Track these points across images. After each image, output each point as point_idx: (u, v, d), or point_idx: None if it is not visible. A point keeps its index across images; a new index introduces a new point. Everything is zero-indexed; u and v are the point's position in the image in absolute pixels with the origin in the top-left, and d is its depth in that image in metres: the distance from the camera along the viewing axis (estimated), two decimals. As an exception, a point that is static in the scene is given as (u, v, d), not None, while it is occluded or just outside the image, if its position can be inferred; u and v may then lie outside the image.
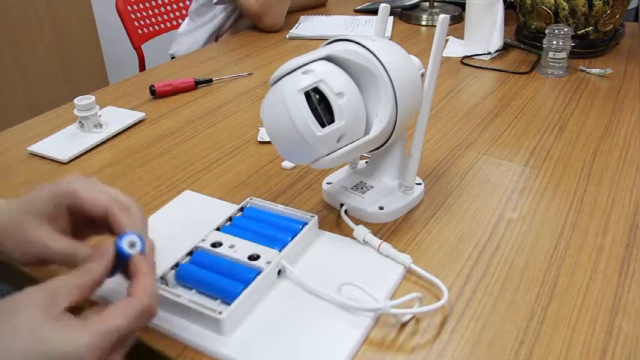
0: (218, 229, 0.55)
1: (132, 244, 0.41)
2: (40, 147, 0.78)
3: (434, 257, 0.55)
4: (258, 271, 0.49)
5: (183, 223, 0.60)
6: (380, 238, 0.56)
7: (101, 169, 0.72)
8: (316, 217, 0.56)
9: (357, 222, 0.60)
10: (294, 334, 0.46)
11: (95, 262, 0.40)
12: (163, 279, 0.49)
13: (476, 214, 0.61)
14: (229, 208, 0.59)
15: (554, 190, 0.65)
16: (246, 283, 0.48)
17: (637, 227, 0.59)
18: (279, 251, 0.51)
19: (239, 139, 0.79)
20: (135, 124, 0.85)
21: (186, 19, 1.52)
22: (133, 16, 1.74)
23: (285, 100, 0.50)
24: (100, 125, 0.82)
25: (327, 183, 0.65)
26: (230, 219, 0.57)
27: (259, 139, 0.79)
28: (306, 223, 0.55)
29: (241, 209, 0.59)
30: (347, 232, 0.57)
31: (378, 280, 0.51)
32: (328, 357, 0.43)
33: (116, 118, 0.85)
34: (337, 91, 0.50)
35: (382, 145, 0.58)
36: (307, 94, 0.50)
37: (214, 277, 0.49)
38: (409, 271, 0.53)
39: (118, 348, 0.37)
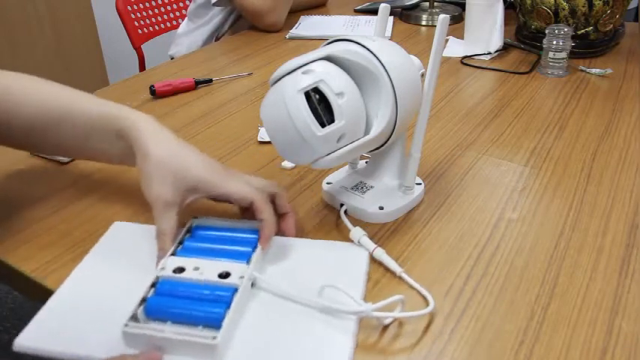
0: (173, 254, 0.52)
1: None
2: (40, 147, 0.77)
3: (434, 257, 0.55)
4: (235, 289, 0.47)
5: (128, 257, 0.55)
6: (376, 243, 0.56)
7: (101, 169, 0.71)
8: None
9: (357, 222, 0.60)
10: (287, 348, 0.44)
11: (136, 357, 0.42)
12: (135, 318, 0.45)
13: (476, 214, 0.61)
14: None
15: (554, 190, 0.65)
16: (226, 303, 0.45)
17: (637, 227, 0.59)
18: (247, 263, 0.50)
19: (239, 139, 0.79)
20: (135, 124, 0.85)
21: (185, 19, 1.52)
22: (133, 16, 1.73)
23: (285, 100, 0.50)
24: (99, 125, 0.82)
25: (327, 183, 0.65)
26: (181, 242, 0.54)
27: (259, 139, 0.78)
28: (259, 230, 0.53)
29: (189, 230, 0.56)
30: (347, 232, 0.57)
31: (349, 276, 0.51)
32: None
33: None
34: (337, 91, 0.50)
35: (382, 145, 0.58)
36: (307, 94, 0.50)
37: (190, 304, 0.46)
38: (400, 278, 0.52)
39: None
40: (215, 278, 0.48)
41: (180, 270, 0.49)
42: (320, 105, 0.50)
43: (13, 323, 0.54)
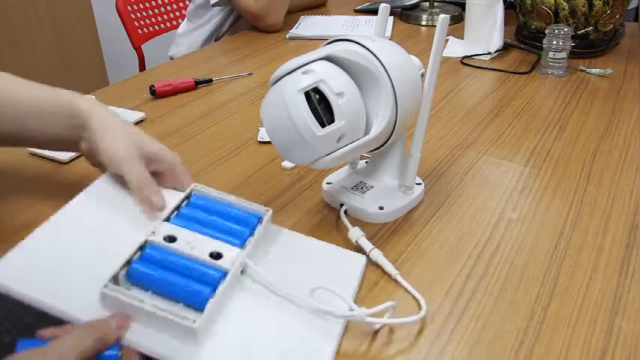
0: (167, 219, 0.50)
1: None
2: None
3: (434, 257, 0.55)
4: (224, 272, 0.45)
5: (116, 208, 0.51)
6: (375, 243, 0.56)
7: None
8: (271, 211, 0.52)
9: (357, 222, 0.60)
10: (267, 344, 0.43)
11: (108, 321, 0.41)
12: (115, 280, 0.43)
13: (476, 214, 0.61)
14: (171, 196, 0.52)
15: (554, 190, 0.65)
16: (212, 286, 0.43)
17: (637, 227, 0.59)
18: (242, 248, 0.48)
19: (239, 139, 0.79)
20: (135, 124, 0.85)
21: (185, 20, 1.52)
22: (133, 16, 1.73)
23: (285, 100, 0.50)
24: (99, 125, 0.82)
25: (327, 183, 0.65)
26: (177, 208, 0.51)
27: (259, 139, 0.79)
28: (261, 217, 0.52)
29: (187, 197, 0.53)
30: (346, 232, 0.57)
31: (343, 279, 0.50)
32: None
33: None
34: (337, 91, 0.50)
35: (382, 145, 0.58)
36: (307, 94, 0.50)
37: (175, 279, 0.44)
38: (395, 281, 0.52)
39: None
40: (206, 257, 0.46)
41: (172, 239, 0.47)
42: (320, 105, 0.50)
43: (14, 323, 0.53)
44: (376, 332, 0.46)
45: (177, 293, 0.43)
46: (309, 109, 0.50)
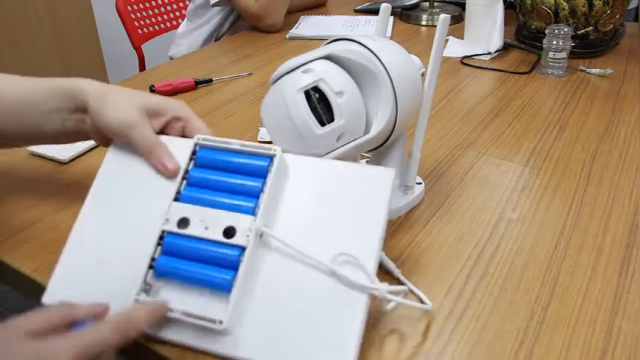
0: (177, 197, 0.49)
1: None
2: (41, 147, 0.77)
3: (434, 257, 0.55)
4: (241, 249, 0.45)
5: (133, 186, 0.52)
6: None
7: (101, 169, 0.71)
8: (279, 149, 0.49)
9: (357, 222, 0.59)
10: (294, 321, 0.43)
11: (142, 309, 0.43)
12: (145, 285, 0.46)
13: (476, 214, 0.61)
14: (178, 153, 0.52)
15: (554, 190, 0.65)
16: (233, 268, 0.44)
17: (637, 227, 0.59)
18: (254, 214, 0.46)
19: (239, 139, 0.79)
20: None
21: (185, 20, 1.52)
22: (133, 16, 1.73)
23: (285, 99, 0.50)
24: (99, 125, 0.82)
25: (327, 183, 0.64)
26: (186, 174, 0.50)
27: (259, 139, 0.78)
28: (271, 159, 0.48)
29: (193, 155, 0.51)
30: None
31: (370, 202, 0.47)
32: (336, 348, 0.42)
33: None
34: (337, 90, 0.50)
35: (382, 145, 0.58)
36: (307, 93, 0.50)
37: (197, 268, 0.45)
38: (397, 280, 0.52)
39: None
40: (220, 236, 0.46)
41: (185, 222, 0.47)
42: (320, 104, 0.50)
43: (13, 323, 0.54)
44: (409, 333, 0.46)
45: (202, 283, 0.45)
46: (308, 108, 0.50)
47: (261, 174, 0.48)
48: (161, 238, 0.47)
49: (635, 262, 0.54)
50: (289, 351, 0.42)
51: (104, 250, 0.49)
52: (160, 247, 0.47)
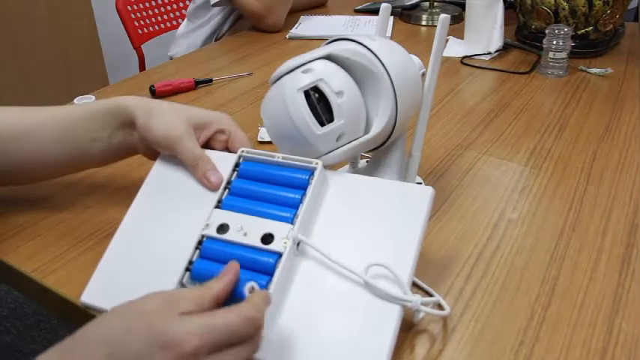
0: (218, 205, 0.50)
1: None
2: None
3: (434, 257, 0.55)
4: (278, 255, 0.45)
5: (176, 195, 0.54)
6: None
7: (102, 169, 0.71)
8: (320, 163, 0.50)
9: (357, 222, 0.60)
10: (326, 330, 0.43)
11: (218, 280, 0.41)
12: (183, 286, 0.46)
13: (476, 214, 0.61)
14: (222, 166, 0.53)
15: (554, 190, 0.65)
16: (268, 273, 0.44)
17: (637, 227, 0.59)
18: (292, 223, 0.47)
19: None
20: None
21: (185, 20, 1.52)
22: (133, 16, 1.73)
23: (285, 99, 0.50)
24: (99, 125, 0.82)
25: (327, 183, 0.65)
26: (228, 185, 0.52)
27: (259, 139, 0.78)
28: (312, 172, 0.50)
29: (236, 166, 0.53)
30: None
31: (407, 218, 0.47)
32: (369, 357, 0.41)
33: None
34: (337, 90, 0.50)
35: (382, 145, 0.58)
36: (307, 93, 0.50)
37: None
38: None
39: (224, 349, 0.37)
40: (258, 242, 0.46)
41: (224, 228, 0.48)
42: (319, 104, 0.50)
43: (14, 323, 0.53)
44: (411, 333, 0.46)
45: (237, 286, 0.44)
46: (308, 108, 0.50)
47: (302, 186, 0.49)
48: (200, 242, 0.48)
49: (635, 262, 0.54)
50: (320, 359, 0.42)
51: (145, 253, 0.51)
52: (198, 252, 0.48)
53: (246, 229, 0.47)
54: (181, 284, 0.46)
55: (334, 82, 0.51)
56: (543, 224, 0.59)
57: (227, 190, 0.52)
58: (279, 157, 0.51)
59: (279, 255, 0.45)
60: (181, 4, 1.91)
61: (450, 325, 0.47)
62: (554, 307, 0.49)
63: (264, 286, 0.44)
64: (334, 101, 0.50)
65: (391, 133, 0.56)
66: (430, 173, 0.69)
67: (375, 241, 0.47)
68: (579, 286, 0.51)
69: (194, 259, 0.48)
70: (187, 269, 0.47)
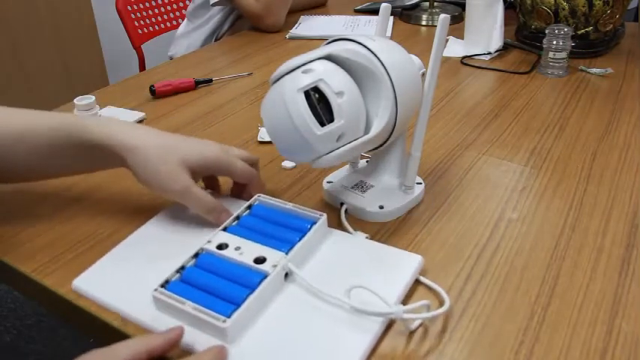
0: (225, 229, 0.54)
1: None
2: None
3: (434, 257, 0.55)
4: (264, 275, 0.48)
5: (189, 223, 0.58)
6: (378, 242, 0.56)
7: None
8: (325, 215, 0.54)
9: (358, 221, 0.60)
10: (301, 341, 0.44)
11: (159, 335, 0.43)
12: (167, 284, 0.48)
13: (476, 214, 0.61)
14: (237, 207, 0.57)
15: (554, 190, 0.65)
16: (251, 288, 0.46)
17: (637, 227, 0.59)
18: (286, 253, 0.50)
19: (239, 139, 0.79)
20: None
21: (184, 20, 1.52)
22: (133, 16, 1.73)
23: (285, 99, 0.50)
24: (99, 125, 0.82)
25: (328, 182, 0.65)
26: (237, 218, 0.56)
27: (259, 139, 0.78)
28: (314, 222, 0.54)
29: (249, 207, 0.57)
30: (346, 232, 0.57)
31: (392, 278, 0.50)
32: None
33: (116, 118, 0.85)
34: (337, 91, 0.50)
35: (382, 145, 0.58)
36: (307, 93, 0.50)
37: (219, 282, 0.48)
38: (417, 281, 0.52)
39: None
40: (250, 262, 0.49)
41: (224, 247, 0.51)
42: (320, 104, 0.50)
43: (13, 323, 0.53)
44: (412, 332, 0.46)
45: (221, 294, 0.47)
46: (308, 109, 0.50)
47: (303, 231, 0.53)
48: (197, 254, 0.51)
49: (635, 262, 0.54)
50: None
51: (145, 259, 0.54)
52: (194, 260, 0.51)
53: (243, 250, 0.51)
54: (166, 284, 0.48)
55: (334, 82, 0.51)
56: (543, 224, 0.59)
57: (236, 221, 0.56)
58: (290, 205, 0.56)
59: (266, 275, 0.48)
60: (181, 4, 1.91)
61: (450, 325, 0.47)
62: (554, 307, 0.49)
63: (245, 297, 0.46)
64: (334, 101, 0.50)
65: (391, 133, 0.56)
66: (430, 173, 0.69)
67: (360, 282, 0.48)
68: (579, 286, 0.51)
69: (188, 265, 0.50)
70: (178, 271, 0.49)
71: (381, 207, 0.60)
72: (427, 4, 1.38)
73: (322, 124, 0.50)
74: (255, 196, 0.58)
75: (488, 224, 0.60)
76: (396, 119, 0.54)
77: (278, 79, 0.52)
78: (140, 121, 0.86)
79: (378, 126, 0.53)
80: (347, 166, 0.67)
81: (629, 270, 0.53)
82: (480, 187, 0.66)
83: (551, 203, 0.63)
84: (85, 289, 0.51)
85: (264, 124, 0.53)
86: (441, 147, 0.76)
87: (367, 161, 0.66)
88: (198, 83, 0.99)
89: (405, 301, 0.49)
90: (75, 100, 0.81)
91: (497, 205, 0.63)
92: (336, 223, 0.60)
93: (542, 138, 0.77)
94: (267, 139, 0.77)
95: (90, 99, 0.81)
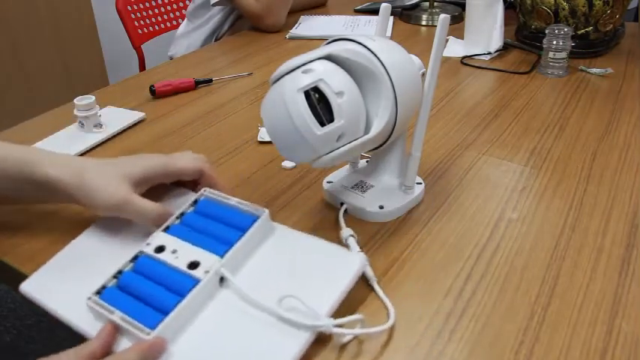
0: (167, 228, 0.53)
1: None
2: (41, 147, 0.77)
3: (434, 257, 0.55)
4: (196, 282, 0.46)
5: (129, 225, 0.56)
6: (374, 244, 0.56)
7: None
8: (267, 211, 0.52)
9: (358, 221, 0.60)
10: (230, 349, 0.44)
11: (95, 338, 0.44)
12: (102, 290, 0.47)
13: (476, 214, 0.61)
14: (184, 202, 0.56)
15: (554, 190, 0.65)
16: (181, 296, 0.45)
17: (637, 227, 0.59)
18: (221, 257, 0.49)
19: (239, 139, 0.79)
20: (135, 124, 0.85)
21: (184, 20, 1.52)
22: (133, 16, 1.73)
23: (285, 99, 0.50)
24: (100, 125, 0.82)
25: (328, 182, 0.65)
26: (182, 215, 0.54)
27: (259, 139, 0.78)
28: (256, 219, 0.52)
29: (195, 202, 0.55)
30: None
31: (331, 280, 0.48)
32: None
33: (116, 118, 0.85)
34: (337, 91, 0.50)
35: (382, 145, 0.58)
36: (307, 93, 0.50)
37: (153, 289, 0.47)
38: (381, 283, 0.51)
39: None
40: (184, 267, 0.48)
41: (162, 249, 0.50)
42: (320, 104, 0.50)
43: (13, 323, 0.53)
44: (344, 345, 0.45)
45: (153, 302, 0.46)
46: (308, 109, 0.50)
47: (243, 229, 0.51)
48: (136, 257, 0.50)
49: (635, 262, 0.54)
50: None
51: (90, 261, 0.53)
52: (132, 264, 0.50)
53: (179, 253, 0.50)
54: (101, 289, 0.47)
55: (334, 82, 0.51)
56: (543, 224, 0.59)
57: (178, 220, 0.54)
58: (234, 200, 0.54)
59: (198, 281, 0.47)
60: (181, 4, 1.91)
61: (450, 325, 0.47)
62: (554, 307, 0.49)
63: (174, 304, 0.45)
64: (334, 101, 0.50)
65: (391, 133, 0.56)
66: (430, 173, 0.69)
67: (296, 288, 0.47)
68: (579, 286, 0.51)
69: (125, 269, 0.49)
70: (115, 277, 0.49)
71: (381, 207, 0.60)
72: (427, 4, 1.38)
73: (322, 124, 0.50)
74: (202, 191, 0.56)
75: (488, 224, 0.60)
76: (396, 119, 0.54)
77: (278, 79, 0.52)
78: (140, 121, 0.86)
79: (378, 126, 0.53)
80: (347, 166, 0.67)
81: (629, 270, 0.53)
82: (480, 187, 0.66)
83: (551, 203, 0.63)
84: (31, 294, 0.50)
85: (264, 124, 0.53)
86: (441, 147, 0.76)
87: (367, 161, 0.66)
88: (198, 83, 0.99)
89: (352, 305, 0.48)
90: (75, 100, 0.81)
91: (497, 205, 0.63)
92: (335, 224, 0.60)
93: (542, 138, 0.77)
94: (267, 139, 0.77)
95: (90, 99, 0.81)
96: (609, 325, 0.47)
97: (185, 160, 0.57)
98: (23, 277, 0.54)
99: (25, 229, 0.60)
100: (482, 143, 0.77)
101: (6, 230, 0.60)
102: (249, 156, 0.75)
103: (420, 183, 0.64)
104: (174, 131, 0.83)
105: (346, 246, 0.55)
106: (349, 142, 0.52)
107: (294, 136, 0.50)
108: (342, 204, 0.61)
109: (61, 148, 0.77)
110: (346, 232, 0.56)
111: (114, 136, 0.82)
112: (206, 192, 0.56)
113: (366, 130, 0.54)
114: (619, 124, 0.81)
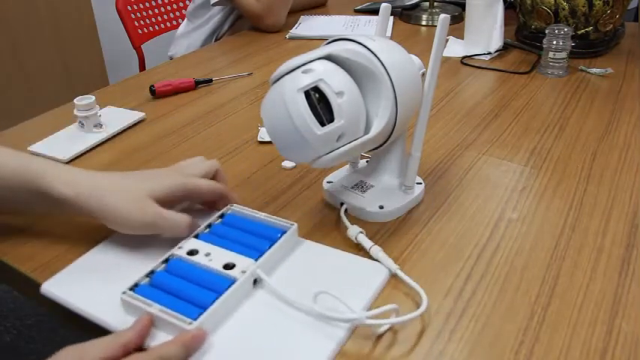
0: (196, 236, 0.54)
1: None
2: (41, 147, 0.78)
3: (434, 257, 0.55)
4: (233, 281, 0.48)
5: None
6: (371, 240, 0.56)
7: (101, 169, 0.71)
8: (296, 225, 0.54)
9: (358, 221, 0.59)
10: (266, 345, 0.44)
11: (129, 329, 0.44)
12: (135, 287, 0.48)
13: (476, 214, 0.61)
14: (210, 215, 0.57)
15: (554, 190, 0.65)
16: (219, 293, 0.46)
17: (637, 227, 0.59)
18: (255, 260, 0.50)
19: (239, 139, 0.79)
20: (135, 124, 0.85)
21: (184, 20, 1.52)
22: (133, 16, 1.73)
23: (285, 99, 0.50)
24: (100, 125, 0.82)
25: (328, 182, 0.65)
26: (209, 226, 0.56)
27: (259, 139, 0.78)
28: (285, 231, 0.54)
29: (221, 216, 0.57)
30: (346, 232, 0.57)
31: (359, 288, 0.50)
32: None
33: (116, 118, 0.85)
34: (337, 91, 0.50)
35: (382, 145, 0.58)
36: (307, 93, 0.50)
37: (188, 286, 0.48)
38: (395, 278, 0.52)
39: None
40: (219, 268, 0.49)
41: (195, 253, 0.51)
42: (320, 104, 0.50)
43: (14, 323, 0.54)
44: (380, 336, 0.46)
45: (189, 298, 0.47)
46: (308, 108, 0.50)
47: (273, 239, 0.53)
48: (167, 260, 0.51)
49: (635, 262, 0.54)
50: None
51: (117, 264, 0.53)
52: (164, 265, 0.51)
53: (213, 256, 0.51)
54: (135, 287, 0.48)
55: (334, 82, 0.51)
56: (543, 224, 0.59)
57: (207, 229, 0.56)
58: (262, 214, 0.56)
59: (235, 280, 0.48)
60: (181, 4, 1.91)
61: (450, 325, 0.47)
62: (554, 307, 0.49)
63: (212, 300, 0.46)
64: (334, 101, 0.50)
65: (391, 133, 0.56)
66: (430, 173, 0.69)
67: (328, 290, 0.48)
68: (579, 286, 0.51)
69: (158, 269, 0.50)
70: (148, 276, 0.49)
71: (381, 207, 0.60)
72: (427, 4, 1.38)
73: (322, 124, 0.50)
74: (228, 206, 0.58)
75: (489, 224, 0.60)
76: (396, 119, 0.54)
77: (278, 79, 0.52)
78: (140, 121, 0.86)
79: (378, 126, 0.53)
80: (347, 166, 0.67)
81: (629, 270, 0.53)
82: (480, 187, 0.66)
83: (551, 203, 0.63)
84: (54, 293, 0.50)
85: (264, 124, 0.53)
86: (441, 147, 0.76)
87: (367, 161, 0.66)
88: (198, 83, 0.99)
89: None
90: (75, 100, 0.81)
91: (497, 205, 0.63)
92: (335, 224, 0.60)
93: (542, 138, 0.77)
94: (267, 139, 0.77)
95: (90, 99, 0.81)
96: (609, 325, 0.47)
97: (206, 182, 0.57)
98: (23, 277, 0.55)
99: (25, 230, 0.60)
100: (482, 143, 0.77)
101: (6, 230, 0.60)
102: (249, 156, 0.75)
103: (420, 183, 0.64)
104: (175, 131, 0.83)
105: (357, 245, 0.55)
106: (349, 142, 0.52)
107: (294, 136, 0.50)
108: (342, 204, 0.61)
109: (61, 148, 0.77)
110: (354, 229, 0.56)
111: (114, 136, 0.82)
112: (233, 206, 0.58)
113: (366, 130, 0.54)
114: (619, 124, 0.81)
